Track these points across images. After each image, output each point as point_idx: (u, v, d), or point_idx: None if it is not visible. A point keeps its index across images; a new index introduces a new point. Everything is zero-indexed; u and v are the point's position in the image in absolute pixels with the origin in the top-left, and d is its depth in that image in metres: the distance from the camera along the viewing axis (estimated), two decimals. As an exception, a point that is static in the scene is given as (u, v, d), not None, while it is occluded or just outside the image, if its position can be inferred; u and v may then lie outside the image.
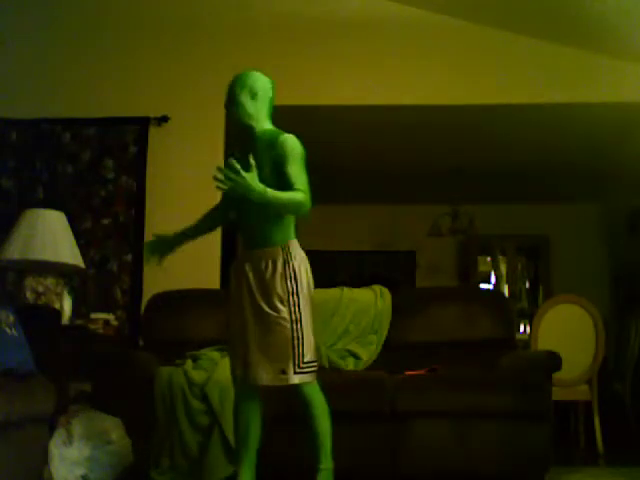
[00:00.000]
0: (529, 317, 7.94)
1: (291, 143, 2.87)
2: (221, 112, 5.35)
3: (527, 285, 8.89)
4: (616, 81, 5.25)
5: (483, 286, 8.72)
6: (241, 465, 2.92)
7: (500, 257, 8.87)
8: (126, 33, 5.43)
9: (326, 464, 2.85)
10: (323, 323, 4.15)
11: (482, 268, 8.85)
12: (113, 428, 3.28)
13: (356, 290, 4.34)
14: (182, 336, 4.13)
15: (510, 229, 8.46)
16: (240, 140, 3.02)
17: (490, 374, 3.73)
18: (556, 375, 3.62)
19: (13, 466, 2.84)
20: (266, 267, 2.84)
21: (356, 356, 4.06)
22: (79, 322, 4.42)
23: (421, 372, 3.79)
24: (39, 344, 3.20)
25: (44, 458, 3.11)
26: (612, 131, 6.02)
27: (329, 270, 8.51)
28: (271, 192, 2.70)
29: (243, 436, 2.92)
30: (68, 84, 5.33)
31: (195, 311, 4.21)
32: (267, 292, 2.83)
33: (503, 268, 8.84)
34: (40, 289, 4.05)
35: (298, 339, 2.79)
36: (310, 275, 2.92)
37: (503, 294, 7.89)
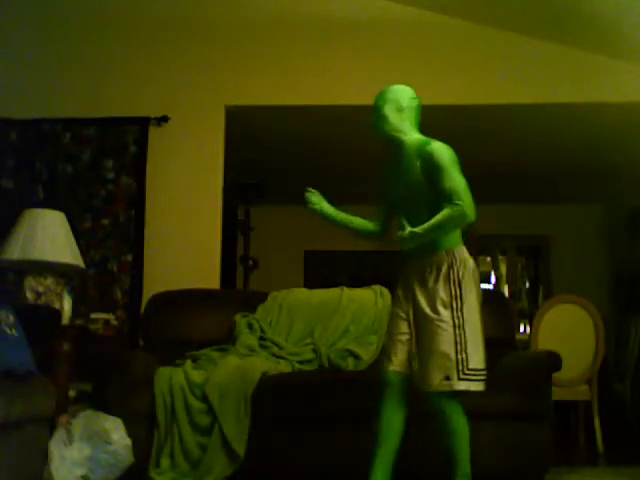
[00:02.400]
0: (529, 317, 7.95)
1: (439, 152, 3.00)
2: (221, 112, 5.42)
3: (527, 285, 8.90)
4: (616, 81, 5.25)
5: (483, 286, 8.72)
6: (376, 464, 2.91)
7: (500, 257, 8.88)
8: (126, 33, 5.43)
9: (463, 470, 2.87)
10: (323, 323, 4.15)
11: (482, 268, 8.85)
12: (113, 428, 3.28)
13: (356, 290, 4.34)
14: (182, 336, 4.13)
15: (510, 229, 8.46)
16: (391, 152, 3.12)
17: (490, 374, 3.72)
18: (556, 375, 3.62)
19: (13, 466, 2.84)
20: (430, 273, 2.91)
21: (356, 356, 4.06)
22: (79, 322, 4.42)
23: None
24: (39, 344, 3.20)
25: (44, 458, 3.10)
26: (612, 131, 6.02)
27: (329, 270, 8.52)
28: (421, 229, 2.83)
29: (385, 435, 2.92)
30: (68, 84, 5.33)
31: (195, 311, 4.21)
32: (432, 298, 2.87)
33: (503, 268, 8.84)
34: (40, 289, 4.05)
35: (461, 344, 2.79)
36: (478, 284, 2.96)
37: (503, 294, 7.90)
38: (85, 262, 4.32)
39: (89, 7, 5.47)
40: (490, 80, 5.34)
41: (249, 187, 7.38)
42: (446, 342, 2.79)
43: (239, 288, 7.53)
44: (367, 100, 5.37)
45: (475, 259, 8.93)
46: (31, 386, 3.03)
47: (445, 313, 2.82)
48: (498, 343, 4.05)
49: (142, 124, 5.25)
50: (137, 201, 5.17)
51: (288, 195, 8.07)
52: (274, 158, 6.66)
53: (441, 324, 2.81)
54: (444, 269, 2.89)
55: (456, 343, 2.79)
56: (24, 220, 4.08)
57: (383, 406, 2.93)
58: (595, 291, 7.18)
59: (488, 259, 8.95)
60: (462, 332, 2.80)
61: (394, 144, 3.08)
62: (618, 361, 6.11)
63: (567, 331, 4.95)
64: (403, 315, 2.95)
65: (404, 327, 2.93)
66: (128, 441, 3.30)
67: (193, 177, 5.25)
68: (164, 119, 5.26)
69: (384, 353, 3.03)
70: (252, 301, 4.30)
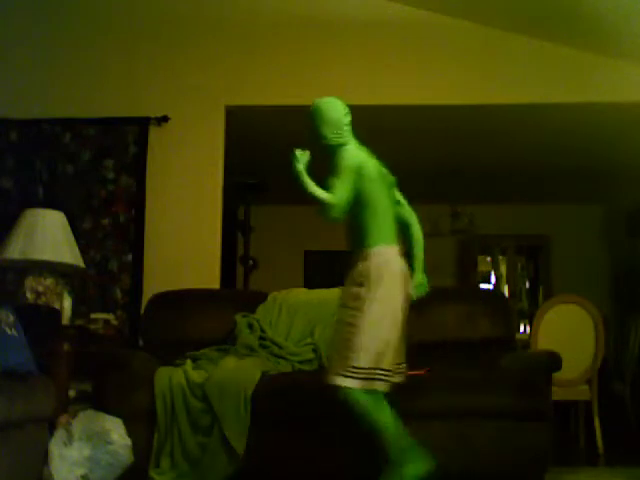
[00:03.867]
0: (529, 317, 7.95)
1: (340, 156, 3.09)
2: (221, 112, 5.42)
3: (527, 285, 8.90)
4: (616, 81, 5.25)
5: (483, 286, 8.72)
6: (411, 456, 2.93)
7: (500, 257, 8.88)
8: (126, 33, 5.44)
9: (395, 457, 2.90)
10: (323, 323, 4.15)
11: (482, 268, 8.86)
12: (113, 428, 3.28)
13: (356, 290, 4.33)
14: (182, 336, 4.13)
15: (510, 229, 8.46)
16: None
17: (490, 374, 3.72)
18: (556, 375, 3.62)
19: (13, 466, 2.84)
20: (349, 271, 3.02)
21: (356, 356, 4.06)
22: (79, 322, 4.42)
23: (420, 372, 3.78)
24: (39, 344, 3.20)
25: (44, 458, 3.10)
26: (612, 131, 6.02)
27: (329, 270, 8.52)
28: (307, 178, 2.98)
29: (402, 429, 2.97)
30: (68, 84, 5.33)
31: (195, 311, 4.21)
32: (344, 295, 3.02)
33: (503, 268, 8.85)
34: (40, 289, 4.05)
35: (349, 341, 2.88)
36: (392, 288, 2.97)
37: (503, 294, 7.90)
38: (85, 262, 4.32)
39: (89, 7, 5.47)
40: (490, 80, 5.34)
41: (249, 187, 7.39)
42: (338, 339, 2.94)
43: (239, 288, 7.54)
44: (367, 100, 5.42)
45: (475, 259, 8.83)
46: (31, 386, 3.03)
47: (342, 311, 2.97)
48: (498, 343, 4.07)
49: (142, 124, 5.25)
50: (137, 201, 5.18)
51: (288, 195, 8.09)
52: (274, 158, 6.65)
53: (339, 321, 2.97)
54: (354, 268, 2.99)
55: (345, 340, 2.89)
56: (24, 220, 4.08)
57: (384, 404, 2.99)
58: (595, 291, 7.18)
59: (488, 259, 8.95)
60: (354, 331, 2.88)
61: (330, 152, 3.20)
62: (618, 361, 6.11)
63: (567, 331, 4.95)
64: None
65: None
66: (128, 441, 3.30)
67: (193, 177, 5.25)
68: (164, 119, 5.26)
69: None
70: (252, 301, 4.30)
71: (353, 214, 3.03)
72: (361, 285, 2.94)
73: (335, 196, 2.95)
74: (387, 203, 3.12)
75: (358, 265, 2.99)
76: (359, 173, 3.04)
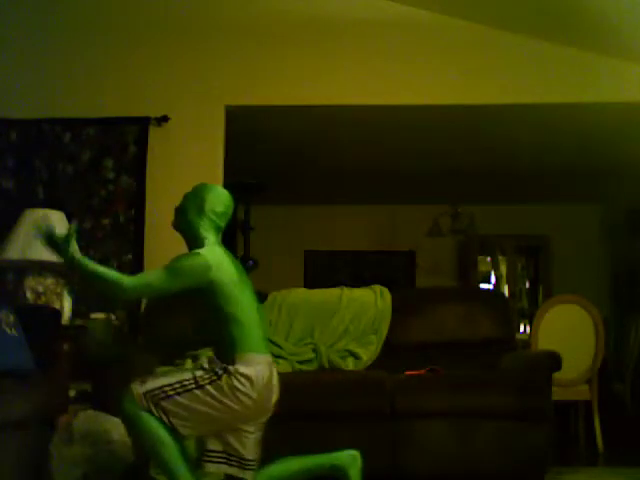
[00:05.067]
0: (529, 317, 7.95)
1: (178, 256, 2.87)
2: (221, 112, 5.42)
3: (527, 285, 8.90)
4: (616, 81, 5.25)
5: (483, 286, 8.72)
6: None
7: (500, 257, 8.88)
8: (126, 33, 5.43)
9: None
10: (323, 323, 4.15)
11: (482, 268, 8.86)
12: (113, 428, 3.28)
13: (356, 290, 4.34)
14: (182, 336, 4.13)
15: (510, 229, 8.47)
16: None
17: (490, 374, 3.73)
18: (556, 375, 3.62)
19: (13, 466, 2.84)
20: None
21: (356, 356, 4.07)
22: (79, 322, 4.42)
23: (421, 372, 3.79)
24: (39, 344, 3.20)
25: (44, 458, 3.10)
26: (612, 131, 6.02)
27: (329, 270, 8.52)
28: (82, 257, 2.71)
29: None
30: (68, 84, 5.33)
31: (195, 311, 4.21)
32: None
33: (503, 268, 8.85)
34: (40, 289, 4.05)
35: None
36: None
37: (503, 294, 7.91)
38: (85, 262, 4.32)
39: (89, 7, 5.47)
40: (490, 80, 5.34)
41: (249, 187, 7.38)
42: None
43: (239, 288, 7.51)
44: (367, 100, 5.42)
45: (475, 259, 8.86)
46: (31, 386, 3.03)
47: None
48: (498, 343, 4.07)
49: (142, 124, 5.25)
50: (137, 201, 5.17)
51: (288, 195, 8.11)
52: (274, 158, 6.66)
53: None
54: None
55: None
56: (24, 220, 4.08)
57: None
58: (595, 291, 7.19)
59: (488, 259, 8.95)
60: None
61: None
62: (618, 361, 6.11)
63: (567, 331, 4.95)
64: None
65: None
66: (128, 441, 3.29)
67: (193, 177, 5.22)
68: (164, 119, 5.25)
69: None
70: (252, 301, 4.29)
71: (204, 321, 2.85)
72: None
73: (137, 280, 2.77)
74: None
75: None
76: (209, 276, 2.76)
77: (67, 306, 4.15)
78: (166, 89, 5.34)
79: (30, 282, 4.05)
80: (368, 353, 4.08)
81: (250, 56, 5.37)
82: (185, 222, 2.99)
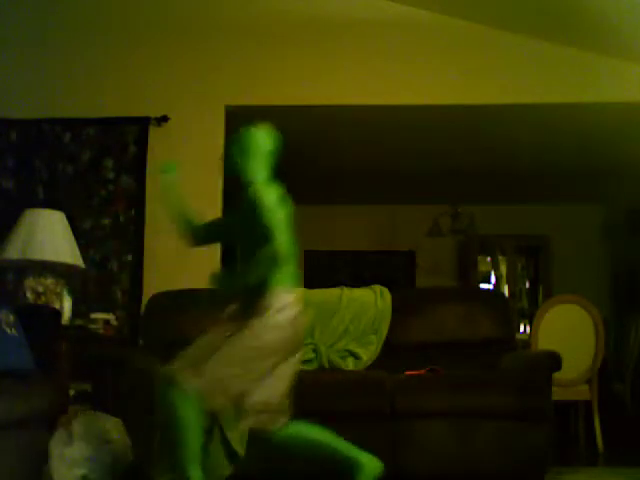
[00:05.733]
0: (529, 317, 7.95)
1: (258, 194, 2.96)
2: (221, 112, 5.42)
3: (527, 285, 8.90)
4: (616, 81, 5.25)
5: (483, 286, 8.72)
6: None
7: (500, 257, 8.88)
8: (126, 33, 5.43)
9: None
10: (323, 323, 4.15)
11: (482, 268, 8.86)
12: (113, 428, 3.28)
13: (356, 290, 4.34)
14: (182, 336, 4.12)
15: (510, 229, 8.47)
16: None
17: (490, 374, 3.73)
18: (556, 375, 3.62)
19: (13, 466, 2.84)
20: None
21: (356, 356, 4.06)
22: (79, 322, 4.42)
23: (421, 372, 3.79)
24: (39, 344, 3.20)
25: (44, 458, 3.10)
26: (612, 131, 6.02)
27: (329, 270, 8.52)
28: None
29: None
30: (68, 84, 5.33)
31: (195, 311, 4.20)
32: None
33: (503, 268, 8.85)
34: (40, 289, 4.05)
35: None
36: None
37: (503, 294, 7.90)
38: (85, 262, 4.33)
39: (89, 7, 5.47)
40: (490, 80, 5.34)
41: (249, 187, 7.38)
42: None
43: (239, 288, 7.52)
44: (367, 100, 5.42)
45: (475, 259, 8.86)
46: (31, 386, 3.03)
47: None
48: (498, 343, 4.07)
49: (142, 124, 5.25)
50: (137, 201, 5.17)
51: (288, 195, 8.09)
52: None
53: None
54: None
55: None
56: (24, 220, 4.08)
57: None
58: (595, 291, 7.19)
59: (488, 259, 8.95)
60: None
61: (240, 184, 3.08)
62: (618, 361, 6.11)
63: (567, 331, 4.95)
64: None
65: None
66: (128, 441, 3.30)
67: (193, 177, 5.24)
68: (164, 119, 5.26)
69: None
70: (252, 301, 4.29)
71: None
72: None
73: (279, 239, 2.79)
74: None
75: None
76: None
77: (67, 306, 4.15)
78: (166, 89, 5.34)
79: (30, 282, 4.05)
80: (368, 353, 4.08)
81: (250, 56, 5.37)
82: (234, 166, 3.11)
